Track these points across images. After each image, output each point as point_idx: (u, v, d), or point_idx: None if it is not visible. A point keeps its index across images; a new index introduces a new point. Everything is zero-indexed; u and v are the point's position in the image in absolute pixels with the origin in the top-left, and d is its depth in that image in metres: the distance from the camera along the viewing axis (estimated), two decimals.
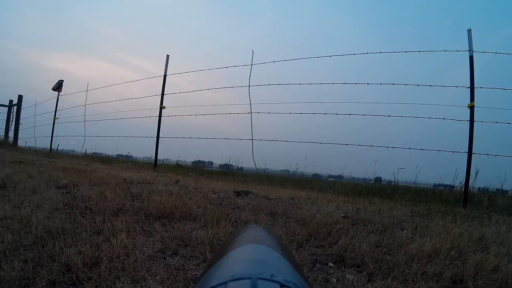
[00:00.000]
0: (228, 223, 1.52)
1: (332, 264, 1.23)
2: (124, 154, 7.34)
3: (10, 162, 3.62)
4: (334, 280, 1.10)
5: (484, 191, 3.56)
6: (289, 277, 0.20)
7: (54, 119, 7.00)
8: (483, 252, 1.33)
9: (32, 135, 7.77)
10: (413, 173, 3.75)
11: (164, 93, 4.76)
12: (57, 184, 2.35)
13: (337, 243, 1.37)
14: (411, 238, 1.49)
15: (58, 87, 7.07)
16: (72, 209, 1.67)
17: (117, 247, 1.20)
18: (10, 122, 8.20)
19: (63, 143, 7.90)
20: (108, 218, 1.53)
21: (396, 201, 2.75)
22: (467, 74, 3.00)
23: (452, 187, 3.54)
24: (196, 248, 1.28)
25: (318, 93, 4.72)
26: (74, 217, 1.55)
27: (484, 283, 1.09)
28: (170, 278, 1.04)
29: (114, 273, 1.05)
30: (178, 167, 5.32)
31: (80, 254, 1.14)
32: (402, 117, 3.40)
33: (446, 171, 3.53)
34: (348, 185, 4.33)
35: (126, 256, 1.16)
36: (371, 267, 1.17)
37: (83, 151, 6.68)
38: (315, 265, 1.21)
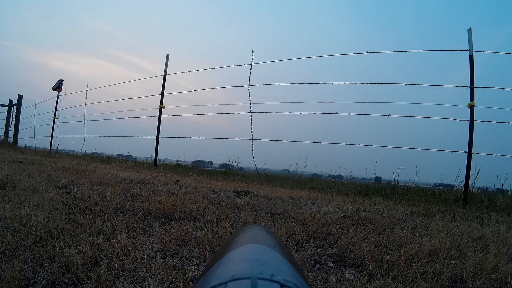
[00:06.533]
0: (228, 223, 1.52)
1: (331, 264, 1.23)
2: (124, 154, 7.36)
3: (10, 162, 3.61)
4: (334, 280, 1.10)
5: (484, 190, 3.56)
6: (289, 277, 0.20)
7: (54, 119, 7.01)
8: (483, 252, 1.33)
9: (32, 135, 7.78)
10: (413, 173, 3.76)
11: (164, 92, 4.76)
12: (57, 184, 2.35)
13: (336, 243, 1.37)
14: (411, 238, 1.49)
15: (58, 86, 7.08)
16: (72, 209, 1.67)
17: (117, 247, 1.20)
18: (10, 122, 8.21)
19: (63, 143, 7.91)
20: (108, 218, 1.53)
21: (396, 200, 2.76)
22: (467, 74, 3.01)
23: (452, 186, 3.54)
24: (195, 248, 1.28)
25: (318, 93, 4.73)
26: (74, 217, 1.54)
27: (483, 282, 1.09)
28: (169, 278, 1.04)
29: (114, 273, 1.05)
30: (178, 167, 5.32)
31: (80, 254, 1.14)
32: (402, 117, 3.41)
33: (446, 171, 3.54)
34: (348, 185, 4.34)
35: (126, 256, 1.16)
36: (370, 267, 1.17)
37: (83, 151, 6.70)
38: (315, 265, 1.21)
